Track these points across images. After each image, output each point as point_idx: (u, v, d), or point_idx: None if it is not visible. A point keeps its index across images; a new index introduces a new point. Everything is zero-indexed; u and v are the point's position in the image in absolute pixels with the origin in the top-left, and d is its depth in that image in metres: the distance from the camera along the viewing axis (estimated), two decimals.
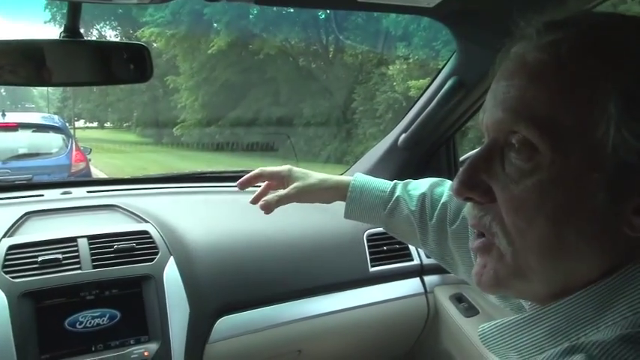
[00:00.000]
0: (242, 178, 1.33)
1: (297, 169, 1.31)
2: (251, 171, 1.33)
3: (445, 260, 1.19)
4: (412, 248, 1.76)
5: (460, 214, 1.11)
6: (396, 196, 1.22)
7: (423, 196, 1.19)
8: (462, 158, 1.80)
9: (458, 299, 1.71)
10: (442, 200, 1.16)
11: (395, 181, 1.26)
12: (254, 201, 1.30)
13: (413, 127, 1.75)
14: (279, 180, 1.32)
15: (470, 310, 1.66)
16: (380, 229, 1.74)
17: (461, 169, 0.65)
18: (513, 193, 0.59)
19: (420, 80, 11.16)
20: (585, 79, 0.55)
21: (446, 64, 1.64)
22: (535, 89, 0.57)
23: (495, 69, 0.64)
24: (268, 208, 1.26)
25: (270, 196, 1.27)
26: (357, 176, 1.28)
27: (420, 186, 1.22)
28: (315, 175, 1.30)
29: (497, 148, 0.61)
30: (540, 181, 0.56)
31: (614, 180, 0.54)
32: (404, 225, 1.21)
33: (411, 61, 13.09)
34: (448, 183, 1.21)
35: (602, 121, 0.54)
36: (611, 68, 0.54)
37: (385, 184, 1.25)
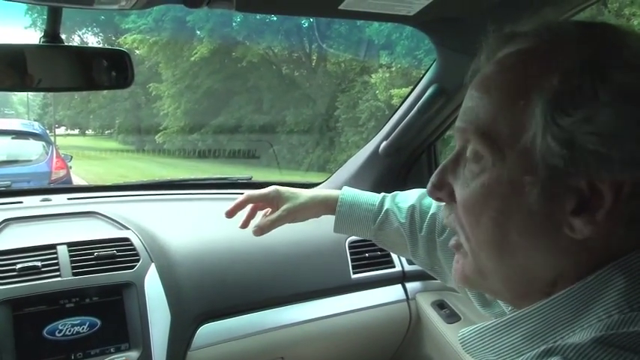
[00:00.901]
0: (230, 207, 1.32)
1: (284, 189, 1.31)
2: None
3: (434, 270, 1.20)
4: (394, 255, 1.77)
5: None
6: (385, 209, 1.23)
7: (412, 208, 1.20)
8: None
9: (440, 306, 1.71)
10: (431, 212, 1.17)
11: (383, 194, 1.27)
12: (243, 225, 1.31)
13: (394, 134, 1.76)
14: (267, 202, 1.32)
15: (452, 317, 1.67)
16: None
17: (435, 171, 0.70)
18: (465, 193, 0.64)
19: (403, 89, 11.22)
20: (521, 87, 0.59)
21: (427, 71, 1.66)
22: (484, 100, 0.62)
23: (469, 78, 0.67)
24: (261, 233, 1.27)
25: (261, 221, 1.28)
26: (345, 191, 1.29)
27: (408, 198, 1.23)
28: (302, 193, 1.30)
29: (462, 153, 0.66)
30: (483, 183, 0.61)
31: (546, 183, 0.56)
32: (394, 237, 1.22)
33: (393, 69, 13.17)
34: None
35: (530, 127, 0.57)
36: (542, 76, 0.57)
37: (373, 198, 1.26)
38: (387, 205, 1.23)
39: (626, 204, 0.54)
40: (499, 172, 0.59)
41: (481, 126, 0.61)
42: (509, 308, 0.72)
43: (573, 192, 0.56)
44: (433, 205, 1.18)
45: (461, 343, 0.68)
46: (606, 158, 0.53)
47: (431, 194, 0.70)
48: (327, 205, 1.28)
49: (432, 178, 0.69)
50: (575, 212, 0.56)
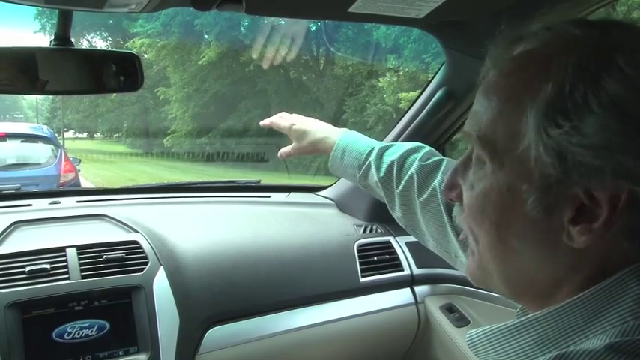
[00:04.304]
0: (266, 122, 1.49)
1: (296, 128, 1.42)
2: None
3: (416, 233, 1.21)
4: (403, 258, 1.76)
5: (429, 186, 1.12)
6: (368, 161, 1.26)
7: (392, 163, 1.21)
8: None
9: (449, 309, 1.70)
10: (411, 171, 1.17)
11: (377, 144, 1.30)
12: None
13: (402, 137, 1.75)
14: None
15: (461, 320, 1.66)
16: (370, 239, 1.75)
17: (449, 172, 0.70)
18: (469, 196, 0.65)
19: (411, 92, 11.23)
20: (519, 92, 0.58)
21: (435, 74, 1.65)
22: (485, 104, 0.62)
23: (479, 82, 0.67)
24: (281, 157, 1.49)
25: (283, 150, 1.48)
26: (345, 136, 1.34)
27: (395, 152, 1.24)
28: (308, 137, 1.40)
29: (471, 157, 0.65)
30: (484, 189, 0.62)
31: (542, 191, 0.56)
32: (376, 189, 1.26)
33: (401, 73, 13.17)
34: (425, 150, 1.22)
35: (526, 135, 0.56)
36: (538, 82, 0.56)
37: (365, 147, 1.29)
38: (371, 158, 1.26)
39: (626, 215, 0.53)
40: (498, 179, 0.60)
41: (482, 131, 0.61)
42: (517, 311, 0.71)
43: (571, 201, 0.55)
44: (415, 164, 1.17)
45: (469, 344, 0.67)
46: (598, 169, 0.52)
47: (445, 195, 0.72)
48: (326, 150, 1.37)
49: (446, 180, 0.70)
50: (574, 221, 0.55)
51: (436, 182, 1.10)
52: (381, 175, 1.21)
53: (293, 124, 1.42)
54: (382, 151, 1.25)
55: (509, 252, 0.61)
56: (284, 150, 1.46)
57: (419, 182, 1.14)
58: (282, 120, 1.45)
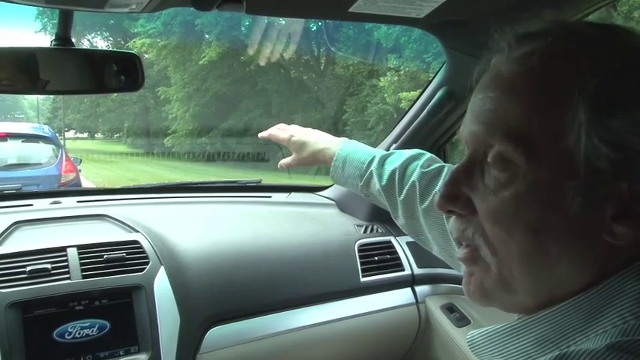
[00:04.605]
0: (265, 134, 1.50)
1: (295, 139, 1.43)
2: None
3: (420, 239, 1.22)
4: (403, 258, 1.76)
5: (431, 193, 1.13)
6: (370, 170, 1.26)
7: (394, 171, 1.22)
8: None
9: (449, 309, 1.70)
10: (412, 178, 1.17)
11: (378, 152, 1.30)
12: None
13: (403, 137, 1.75)
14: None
15: (461, 320, 1.66)
16: (371, 239, 1.75)
17: (443, 182, 0.66)
18: (492, 204, 0.59)
19: (412, 92, 11.22)
20: (555, 88, 0.56)
21: (436, 74, 1.65)
22: (508, 101, 0.59)
23: (475, 81, 0.65)
24: (281, 168, 1.51)
25: (283, 161, 1.50)
26: (345, 146, 1.35)
27: (396, 160, 1.24)
28: (308, 148, 1.41)
29: (477, 161, 0.62)
30: (517, 192, 0.57)
31: (589, 187, 0.54)
32: (378, 197, 1.27)
33: (402, 72, 13.17)
34: (426, 157, 1.22)
35: (572, 129, 0.54)
36: (578, 76, 0.55)
37: (366, 156, 1.30)
38: (372, 166, 1.26)
39: None
40: (535, 178, 0.56)
41: (510, 128, 0.57)
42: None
43: (615, 196, 0.54)
44: (416, 171, 1.18)
45: (469, 345, 0.67)
46: None
47: (441, 207, 0.65)
48: (326, 161, 1.38)
49: (443, 190, 0.64)
50: (615, 218, 0.54)
51: (438, 189, 1.10)
52: (383, 183, 1.22)
53: (292, 136, 1.43)
54: (383, 160, 1.26)
55: (545, 259, 0.57)
56: (284, 161, 1.47)
57: (421, 189, 1.15)
58: (280, 132, 1.46)
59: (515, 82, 0.59)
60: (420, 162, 1.20)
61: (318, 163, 1.41)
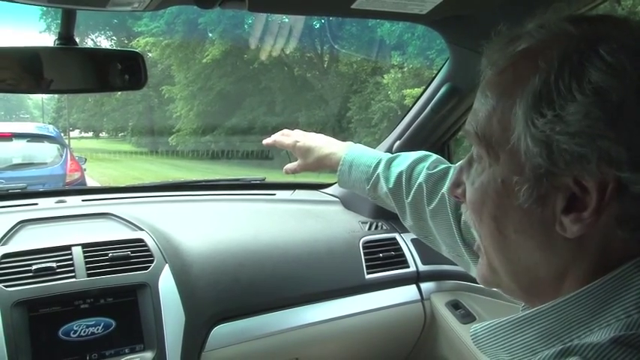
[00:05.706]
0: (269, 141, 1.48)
1: (300, 145, 1.42)
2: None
3: (428, 239, 1.22)
4: (408, 255, 1.76)
5: (438, 194, 1.13)
6: (376, 173, 1.26)
7: (401, 173, 1.22)
8: None
9: (454, 306, 1.70)
10: (419, 180, 1.18)
11: (384, 155, 1.30)
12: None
13: (407, 134, 1.75)
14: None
15: (466, 317, 1.66)
16: (376, 236, 1.75)
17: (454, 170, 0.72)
18: (469, 193, 0.67)
19: (415, 89, 11.20)
20: (510, 87, 0.59)
21: (439, 71, 1.65)
22: (482, 101, 0.64)
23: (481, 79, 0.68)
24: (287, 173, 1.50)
25: (288, 166, 1.48)
26: (350, 150, 1.34)
27: (402, 162, 1.25)
28: (313, 154, 1.40)
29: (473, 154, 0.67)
30: (482, 183, 0.64)
31: (533, 183, 0.57)
32: (386, 200, 1.27)
33: (405, 69, 13.14)
34: (432, 158, 1.22)
35: (516, 127, 0.58)
36: (527, 76, 0.57)
37: (372, 159, 1.30)
38: (379, 170, 1.26)
39: (617, 203, 0.54)
40: (494, 172, 0.62)
41: (480, 128, 0.63)
42: (522, 306, 0.71)
43: (562, 191, 0.56)
44: (423, 173, 1.18)
45: (473, 339, 0.68)
46: (583, 157, 0.53)
47: (451, 192, 0.73)
48: (332, 165, 1.38)
49: (451, 178, 0.73)
50: (566, 211, 0.56)
51: (444, 190, 1.11)
52: (391, 185, 1.22)
53: (297, 142, 1.42)
54: (389, 163, 1.26)
55: (508, 245, 0.62)
56: (289, 167, 1.47)
57: (428, 191, 1.15)
58: (285, 137, 1.45)
59: (488, 83, 0.64)
60: (427, 164, 1.20)
61: (324, 168, 1.40)
